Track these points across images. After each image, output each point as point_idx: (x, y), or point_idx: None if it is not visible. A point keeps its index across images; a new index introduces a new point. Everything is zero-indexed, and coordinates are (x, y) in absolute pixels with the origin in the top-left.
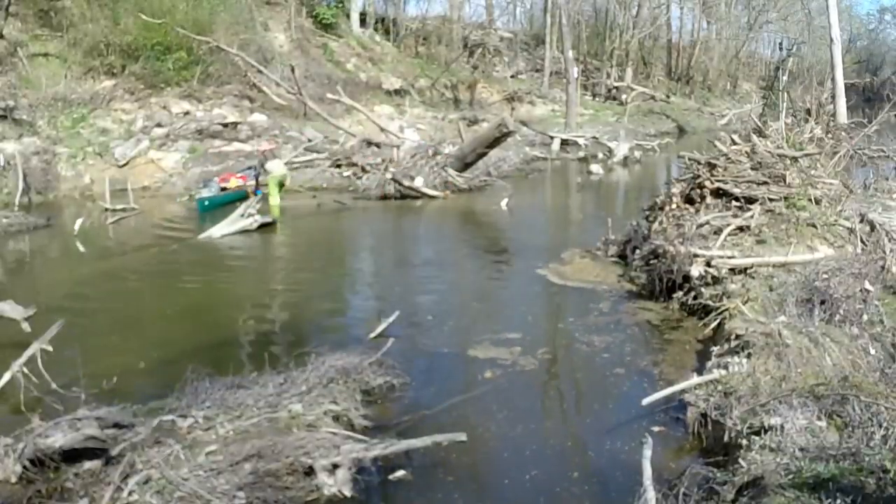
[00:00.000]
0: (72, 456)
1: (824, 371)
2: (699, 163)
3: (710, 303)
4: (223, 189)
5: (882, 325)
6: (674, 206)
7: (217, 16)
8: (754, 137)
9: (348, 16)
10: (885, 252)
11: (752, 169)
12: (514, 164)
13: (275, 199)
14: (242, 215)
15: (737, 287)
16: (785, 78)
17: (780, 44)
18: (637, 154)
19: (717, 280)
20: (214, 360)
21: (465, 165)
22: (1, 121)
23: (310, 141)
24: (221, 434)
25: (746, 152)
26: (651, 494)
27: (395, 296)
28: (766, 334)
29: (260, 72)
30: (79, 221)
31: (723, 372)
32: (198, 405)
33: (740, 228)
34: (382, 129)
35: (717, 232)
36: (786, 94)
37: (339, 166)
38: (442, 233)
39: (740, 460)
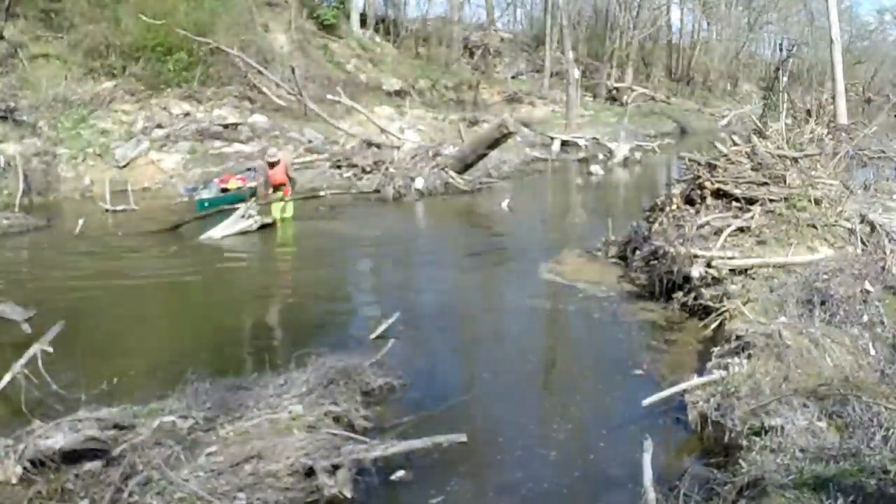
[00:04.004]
0: (72, 457)
1: (825, 372)
2: (699, 163)
3: (710, 304)
4: (224, 190)
5: (883, 325)
6: (674, 206)
7: (218, 17)
8: (754, 138)
9: (349, 17)
10: (885, 252)
11: (752, 170)
12: (515, 164)
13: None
14: (243, 216)
15: (737, 288)
16: (785, 79)
17: (781, 45)
18: (637, 155)
19: (717, 281)
20: (215, 361)
21: (465, 166)
22: (2, 122)
23: (310, 142)
24: (222, 435)
25: (747, 153)
26: (651, 495)
27: (396, 296)
28: (766, 335)
29: (260, 73)
30: (80, 223)
31: (723, 373)
32: (198, 406)
33: (740, 229)
34: (383, 131)
35: (718, 233)
36: (786, 94)
37: (339, 167)
38: (442, 233)
39: (741, 461)
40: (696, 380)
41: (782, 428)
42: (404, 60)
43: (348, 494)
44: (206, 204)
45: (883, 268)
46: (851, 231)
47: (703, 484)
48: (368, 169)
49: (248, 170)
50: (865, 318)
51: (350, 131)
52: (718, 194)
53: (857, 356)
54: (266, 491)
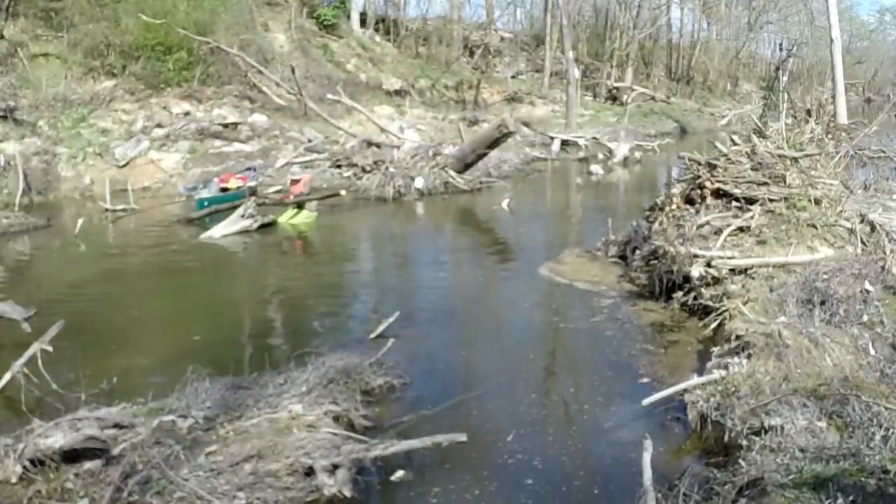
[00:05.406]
0: (72, 456)
1: (824, 371)
2: (699, 163)
3: (710, 303)
4: (223, 190)
5: (882, 325)
6: (674, 206)
7: (217, 16)
8: (754, 138)
9: (349, 16)
10: (885, 252)
11: (752, 169)
12: (515, 164)
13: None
14: (243, 216)
15: (737, 287)
16: (785, 78)
17: (781, 44)
18: (637, 154)
19: (717, 280)
20: (214, 360)
21: (465, 166)
22: (2, 121)
23: (310, 141)
24: (221, 434)
25: (747, 153)
26: (651, 495)
27: (396, 296)
28: (766, 335)
29: (260, 72)
30: (79, 222)
31: (723, 372)
32: (198, 405)
33: (740, 229)
34: (383, 130)
35: (718, 232)
36: (786, 94)
37: (339, 167)
38: (443, 233)
39: (741, 461)
40: (696, 379)
41: (782, 427)
42: (404, 60)
43: (348, 494)
44: (206, 203)
45: (883, 268)
46: (851, 231)
47: (703, 483)
48: (368, 168)
49: (248, 169)
50: (865, 317)
51: (350, 131)
52: (718, 194)
53: (857, 356)
54: (266, 490)
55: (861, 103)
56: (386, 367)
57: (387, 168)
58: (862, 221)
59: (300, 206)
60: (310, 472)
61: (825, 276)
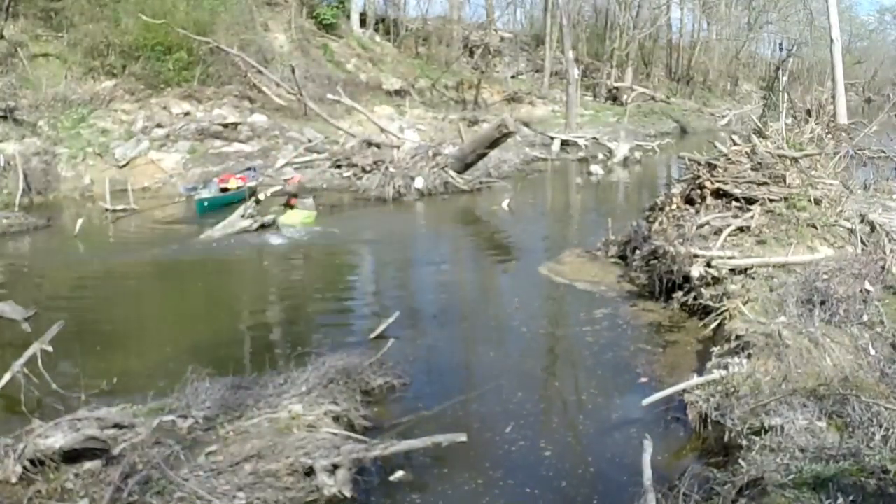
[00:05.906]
0: (72, 456)
1: (824, 371)
2: (699, 163)
3: (710, 303)
4: (223, 190)
5: (882, 325)
6: (674, 206)
7: (217, 16)
8: (754, 138)
9: (349, 16)
10: (885, 252)
11: (752, 169)
12: (515, 164)
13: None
14: (242, 216)
15: (737, 287)
16: (785, 78)
17: (781, 44)
18: (637, 154)
19: (717, 280)
20: (214, 360)
21: (465, 166)
22: (2, 121)
23: (310, 141)
24: (221, 434)
25: (747, 153)
26: (651, 495)
27: (396, 296)
28: (766, 335)
29: (260, 72)
30: (79, 222)
31: (723, 372)
32: (198, 405)
33: (740, 229)
34: (383, 130)
35: (718, 232)
36: (786, 94)
37: (339, 167)
38: (443, 233)
39: (741, 461)
40: (696, 379)
41: (782, 427)
42: (404, 60)
43: (348, 494)
44: (206, 204)
45: (883, 268)
46: (851, 231)
47: (703, 483)
48: (368, 168)
49: (248, 169)
50: (865, 317)
51: (350, 131)
52: (718, 194)
53: (857, 356)
54: (266, 490)
55: (861, 103)
56: (386, 367)
57: (387, 168)
58: (862, 221)
59: (289, 206)
60: (310, 472)
61: (825, 276)
